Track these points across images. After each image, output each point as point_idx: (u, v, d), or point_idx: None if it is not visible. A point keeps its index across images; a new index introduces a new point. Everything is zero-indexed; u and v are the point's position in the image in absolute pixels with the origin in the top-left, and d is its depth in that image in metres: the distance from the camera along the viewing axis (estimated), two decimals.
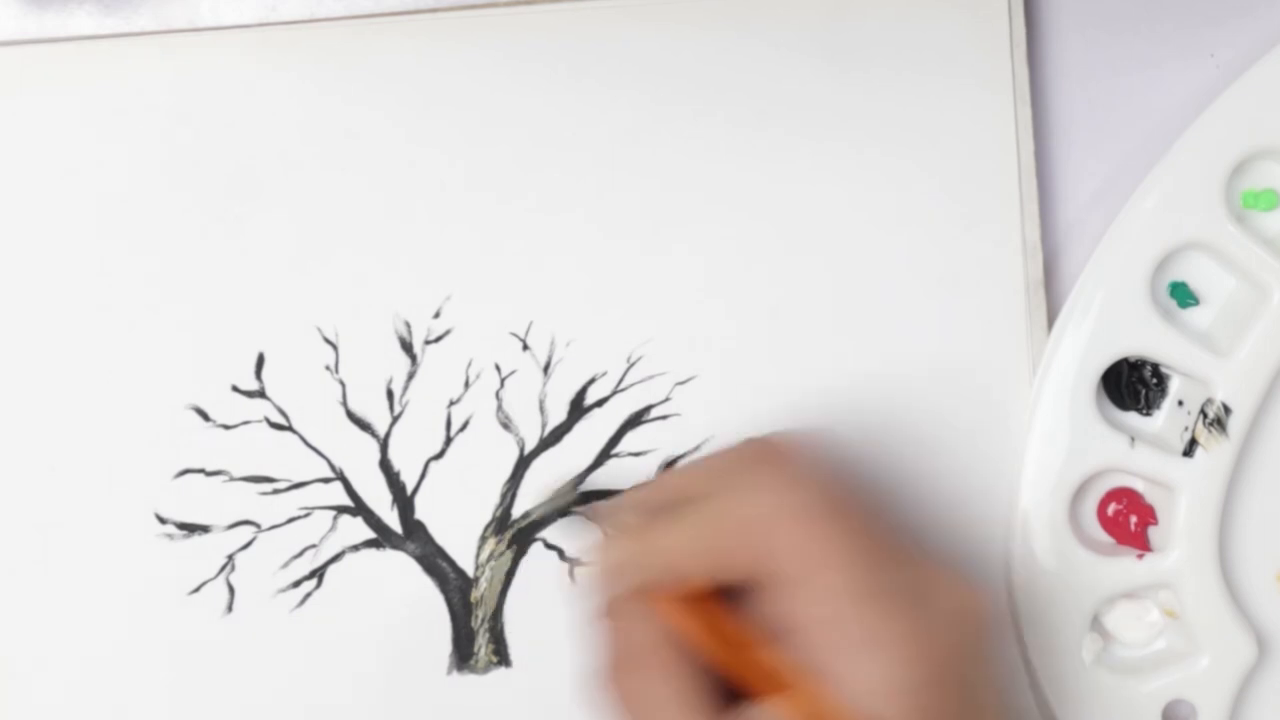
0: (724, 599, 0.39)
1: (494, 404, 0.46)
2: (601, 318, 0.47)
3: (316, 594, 0.46)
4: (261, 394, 0.46)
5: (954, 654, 0.37)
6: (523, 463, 0.46)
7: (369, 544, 0.46)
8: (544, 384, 0.47)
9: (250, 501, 0.46)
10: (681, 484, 0.41)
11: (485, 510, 0.46)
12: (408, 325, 0.46)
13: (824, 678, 0.37)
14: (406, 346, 0.46)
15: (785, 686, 0.38)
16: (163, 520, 0.46)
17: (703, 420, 0.47)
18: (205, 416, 0.46)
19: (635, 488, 0.44)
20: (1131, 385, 0.47)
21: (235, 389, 0.46)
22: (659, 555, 0.39)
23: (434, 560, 0.46)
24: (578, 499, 0.46)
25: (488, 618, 0.46)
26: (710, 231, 0.47)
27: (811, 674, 0.37)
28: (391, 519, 0.46)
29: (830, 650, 0.37)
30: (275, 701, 0.46)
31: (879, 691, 0.36)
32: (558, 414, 0.47)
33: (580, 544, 0.46)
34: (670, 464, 0.47)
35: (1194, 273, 0.47)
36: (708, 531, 0.39)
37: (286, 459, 0.46)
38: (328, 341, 0.46)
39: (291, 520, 0.46)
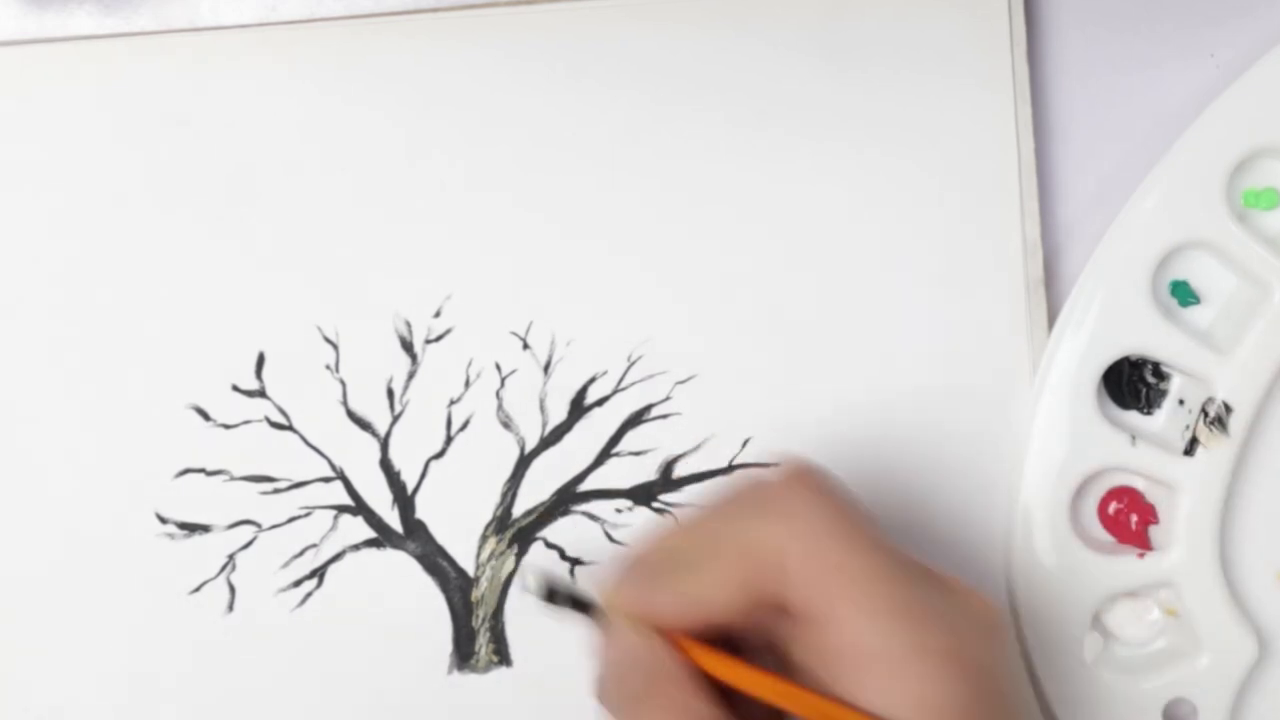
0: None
1: (494, 403, 0.46)
2: (602, 317, 0.47)
3: (317, 593, 0.46)
4: (262, 394, 0.46)
5: (989, 668, 0.36)
6: (523, 462, 0.46)
7: (369, 543, 0.46)
8: (544, 383, 0.47)
9: (251, 501, 0.46)
10: (700, 523, 0.39)
11: (486, 510, 0.46)
12: (408, 324, 0.46)
13: (864, 700, 0.35)
14: (407, 346, 0.46)
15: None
16: (163, 520, 0.46)
17: (703, 420, 0.47)
18: (205, 416, 0.46)
19: (651, 535, 0.40)
20: (1132, 384, 0.47)
21: (235, 389, 0.46)
22: (683, 594, 0.37)
23: (434, 560, 0.46)
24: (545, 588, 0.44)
25: (488, 617, 0.46)
26: (710, 231, 0.47)
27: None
28: (392, 518, 0.46)
29: (869, 674, 0.36)
30: (276, 701, 0.46)
31: (925, 709, 0.35)
32: (558, 413, 0.47)
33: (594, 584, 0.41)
34: (670, 463, 0.47)
35: (1195, 271, 0.47)
36: (734, 564, 0.37)
37: (287, 459, 0.46)
38: (328, 341, 0.46)
39: (292, 520, 0.46)
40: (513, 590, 0.46)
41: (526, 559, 0.46)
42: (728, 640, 0.38)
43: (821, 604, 0.36)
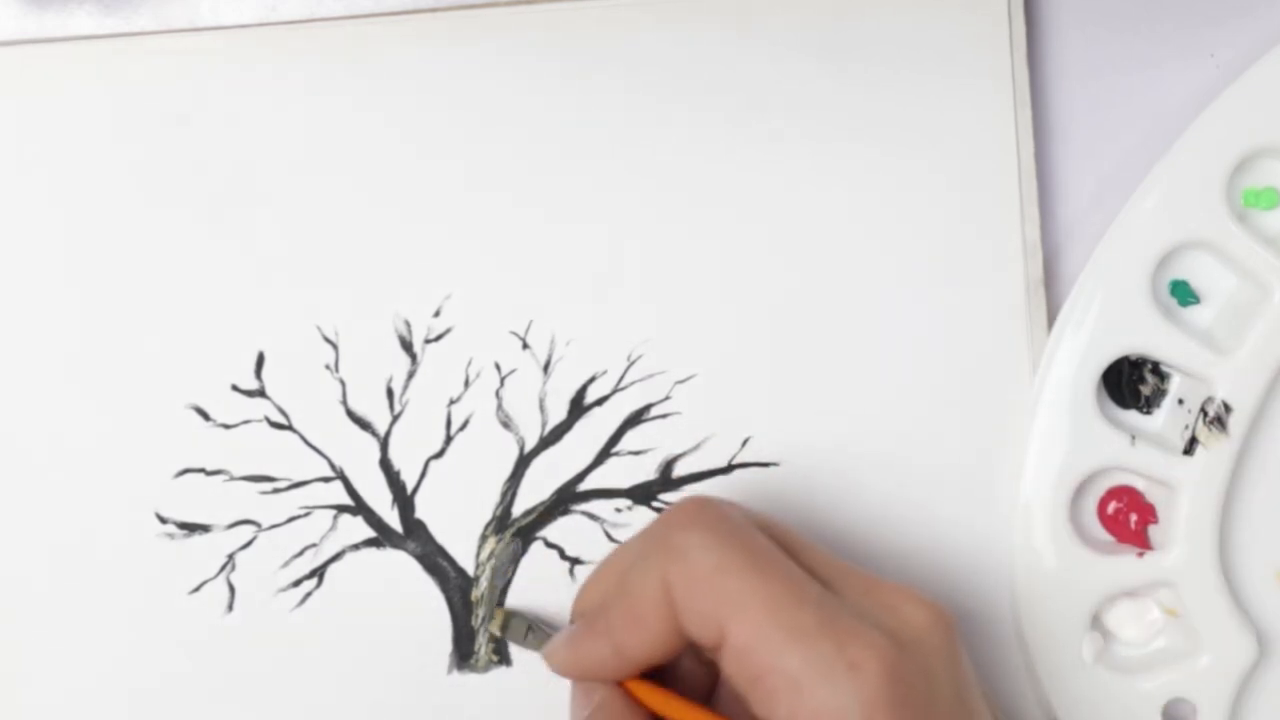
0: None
1: (494, 403, 0.47)
2: (601, 317, 0.47)
3: (317, 593, 0.46)
4: (261, 393, 0.46)
5: (925, 669, 0.37)
6: (523, 461, 0.46)
7: (369, 543, 0.46)
8: (544, 383, 0.47)
9: (250, 501, 0.46)
10: (613, 566, 0.41)
11: (485, 509, 0.46)
12: (408, 324, 0.46)
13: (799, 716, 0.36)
14: (406, 345, 0.46)
15: None
16: (163, 520, 0.46)
17: (703, 419, 0.47)
18: (205, 416, 0.46)
19: (584, 582, 0.43)
20: (1132, 384, 0.47)
21: (235, 388, 0.46)
22: (608, 648, 0.39)
23: (434, 559, 0.46)
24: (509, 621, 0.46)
25: (488, 617, 0.46)
26: (710, 231, 0.47)
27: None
28: (392, 518, 0.46)
29: (775, 694, 0.36)
30: (276, 700, 0.46)
31: (854, 713, 0.36)
32: (558, 413, 0.47)
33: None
34: (670, 463, 0.47)
35: (1195, 271, 0.47)
36: (645, 609, 0.39)
37: (286, 458, 0.46)
38: (328, 341, 0.46)
39: (292, 519, 0.46)
40: (513, 590, 0.46)
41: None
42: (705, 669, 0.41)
43: (714, 635, 0.37)
